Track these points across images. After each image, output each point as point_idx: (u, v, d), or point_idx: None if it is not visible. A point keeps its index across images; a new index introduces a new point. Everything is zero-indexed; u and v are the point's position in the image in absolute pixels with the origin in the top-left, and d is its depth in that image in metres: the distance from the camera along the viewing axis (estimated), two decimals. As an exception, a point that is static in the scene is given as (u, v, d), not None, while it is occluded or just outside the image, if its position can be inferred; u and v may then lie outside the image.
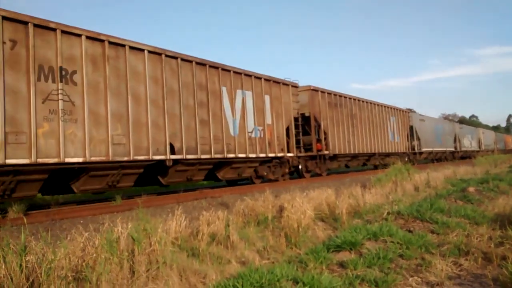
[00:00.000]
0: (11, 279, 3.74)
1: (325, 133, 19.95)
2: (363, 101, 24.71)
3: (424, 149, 32.95)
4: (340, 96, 22.27)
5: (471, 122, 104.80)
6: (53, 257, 4.03)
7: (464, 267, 5.41)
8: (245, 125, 14.83)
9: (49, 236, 4.38)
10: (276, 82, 17.09)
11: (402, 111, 31.08)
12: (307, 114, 19.57)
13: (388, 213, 8.02)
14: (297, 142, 18.15)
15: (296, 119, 18.21)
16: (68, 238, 4.88)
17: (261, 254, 6.32)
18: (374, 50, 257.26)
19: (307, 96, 19.64)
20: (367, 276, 4.74)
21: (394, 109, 29.40)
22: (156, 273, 4.67)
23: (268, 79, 16.45)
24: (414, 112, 35.44)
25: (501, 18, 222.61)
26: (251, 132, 15.11)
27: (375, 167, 26.75)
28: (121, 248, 4.69)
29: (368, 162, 25.68)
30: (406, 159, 29.12)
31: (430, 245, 6.12)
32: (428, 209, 8.24)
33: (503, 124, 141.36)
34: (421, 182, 14.10)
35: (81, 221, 7.39)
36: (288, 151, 17.35)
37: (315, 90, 20.04)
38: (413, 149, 31.57)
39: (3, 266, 3.84)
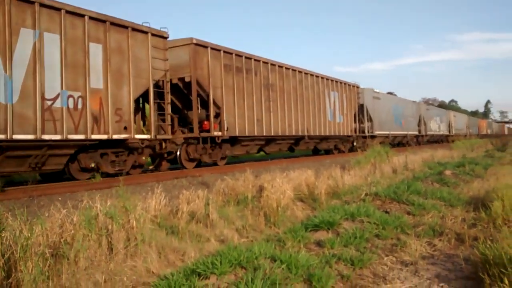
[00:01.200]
0: (-13, 255, 3.71)
1: (218, 108, 14.51)
2: (287, 68, 19.04)
3: (377, 132, 27.65)
4: (248, 58, 16.37)
5: (451, 106, 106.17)
6: (30, 234, 3.99)
7: (437, 247, 5.55)
8: (37, 87, 9.23)
9: (25, 213, 4.33)
10: (120, 26, 11.27)
11: (349, 85, 25.20)
12: (187, 79, 13.80)
13: (366, 194, 8.16)
14: (170, 119, 13.22)
15: (159, 86, 12.64)
16: (46, 215, 4.85)
17: (240, 233, 6.38)
18: (357, 33, 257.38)
19: (187, 54, 13.80)
20: (343, 255, 4.84)
21: (336, 82, 23.55)
22: (135, 250, 4.69)
23: (101, 19, 10.79)
24: (371, 89, 28.93)
25: (483, 5, 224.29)
26: (54, 99, 9.62)
27: (327, 152, 23.77)
28: (99, 225, 4.68)
29: (296, 147, 20.39)
30: (353, 144, 25.40)
31: (406, 226, 6.26)
32: (405, 191, 8.40)
33: (482, 110, 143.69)
34: (399, 165, 14.31)
35: (59, 198, 7.32)
36: (147, 132, 12.17)
37: (201, 45, 14.11)
38: (362, 132, 26.39)
39: (-21, 242, 3.80)
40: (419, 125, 38.95)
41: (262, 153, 19.37)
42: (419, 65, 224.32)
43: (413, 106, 38.52)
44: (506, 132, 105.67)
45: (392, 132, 30.88)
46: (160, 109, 12.78)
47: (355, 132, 25.46)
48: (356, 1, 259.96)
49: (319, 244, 5.44)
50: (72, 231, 4.46)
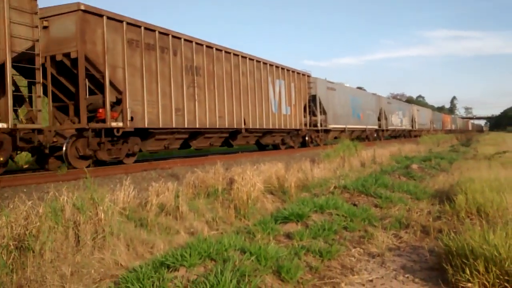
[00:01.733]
0: None
1: (118, 92, 11.71)
2: (218, 50, 15.92)
3: (332, 126, 25.55)
4: (164, 34, 13.33)
5: (418, 102, 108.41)
6: (-7, 226, 3.89)
7: (404, 239, 5.69)
8: None
9: (-11, 204, 4.21)
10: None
11: (298, 73, 22.50)
12: (74, 55, 10.96)
13: (335, 187, 8.27)
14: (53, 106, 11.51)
15: (25, 59, 9.89)
16: (11, 206, 4.72)
17: (210, 225, 6.37)
18: (328, 27, 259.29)
19: (73, 23, 11.00)
20: (312, 247, 4.90)
21: (283, 69, 20.85)
22: (103, 242, 4.62)
23: None
24: (324, 79, 26.35)
25: (450, 2, 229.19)
26: None
27: (275, 147, 21.36)
28: (66, 217, 4.59)
29: (234, 141, 17.58)
30: (304, 139, 23.23)
31: (373, 218, 6.38)
32: (373, 184, 8.55)
33: (448, 106, 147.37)
34: (367, 159, 14.55)
35: (25, 190, 7.14)
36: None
37: (93, 13, 11.21)
38: (315, 125, 24.07)
39: None
40: (379, 119, 37.00)
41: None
42: (389, 61, 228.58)
43: (373, 99, 36.48)
44: (470, 128, 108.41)
45: (349, 126, 28.74)
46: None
47: (306, 125, 23.07)
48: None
49: (288, 236, 5.49)
50: (38, 223, 4.36)
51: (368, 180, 8.89)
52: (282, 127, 20.51)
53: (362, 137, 31.59)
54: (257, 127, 18.32)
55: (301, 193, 8.67)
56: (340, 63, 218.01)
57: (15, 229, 4.20)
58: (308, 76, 23.81)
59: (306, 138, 23.40)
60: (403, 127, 45.36)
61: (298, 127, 22.06)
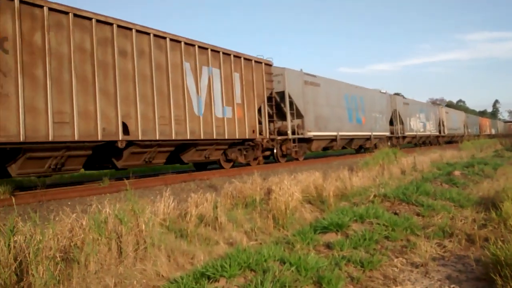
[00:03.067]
0: (-1, 259, 3.74)
1: None
2: (61, 12, 9.77)
3: (313, 134, 19.49)
4: None
5: (458, 107, 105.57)
6: (41, 238, 4.02)
7: (448, 248, 5.51)
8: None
9: (37, 217, 4.37)
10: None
11: (248, 60, 16.15)
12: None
13: (375, 196, 8.12)
14: None
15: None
16: (56, 219, 4.88)
17: (249, 236, 6.37)
18: (363, 34, 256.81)
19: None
20: (353, 257, 4.82)
21: (217, 52, 14.56)
22: (144, 253, 4.70)
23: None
24: (300, 71, 19.88)
25: (491, 4, 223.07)
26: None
27: (201, 166, 16.23)
28: (109, 229, 4.69)
29: (118, 161, 11.43)
30: (272, 152, 17.64)
31: (416, 227, 6.22)
32: (414, 192, 8.35)
33: (490, 109, 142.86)
34: (408, 166, 14.24)
35: (69, 203, 7.37)
36: None
37: None
38: (280, 133, 17.81)
39: (-9, 246, 3.84)
40: (392, 123, 30.20)
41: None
42: (426, 66, 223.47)
43: (382, 98, 28.93)
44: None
45: (343, 133, 22.32)
46: None
47: (265, 133, 16.64)
48: (361, 2, 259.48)
49: (328, 246, 5.43)
50: (82, 235, 4.48)
51: (409, 188, 8.69)
52: (215, 137, 14.05)
53: (365, 146, 26.54)
54: (157, 137, 11.91)
55: (340, 202, 8.57)
56: (375, 70, 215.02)
57: (61, 241, 4.33)
58: (269, 65, 17.36)
59: (275, 151, 17.85)
60: (427, 133, 38.10)
61: (245, 137, 15.59)
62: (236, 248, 4.75)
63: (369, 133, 26.15)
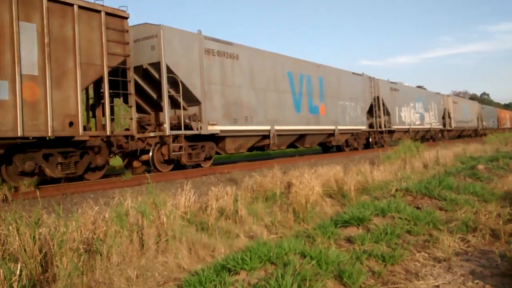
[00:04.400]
0: (25, 250, 3.82)
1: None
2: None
3: (216, 129, 13.20)
4: None
5: (482, 100, 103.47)
6: (65, 230, 4.10)
7: (471, 243, 5.42)
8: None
9: (61, 210, 4.45)
10: None
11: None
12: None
13: (396, 190, 8.03)
14: None
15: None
16: (79, 211, 4.96)
17: (269, 229, 6.38)
18: (383, 27, 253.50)
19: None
20: (374, 251, 4.78)
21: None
22: (166, 246, 4.75)
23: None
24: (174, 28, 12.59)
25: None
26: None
27: None
28: (130, 221, 4.76)
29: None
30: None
31: (438, 222, 6.13)
32: (437, 186, 8.24)
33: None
34: (430, 160, 14.06)
35: (92, 196, 7.49)
36: None
37: None
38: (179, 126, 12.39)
39: (17, 238, 3.93)
40: (374, 115, 23.58)
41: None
42: (449, 58, 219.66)
43: (354, 81, 21.79)
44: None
45: (282, 127, 16.05)
46: None
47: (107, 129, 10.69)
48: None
49: (349, 240, 5.39)
50: (104, 228, 4.56)
51: (432, 182, 8.57)
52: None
53: (332, 144, 20.71)
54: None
55: (361, 196, 8.51)
56: (397, 63, 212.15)
57: (84, 233, 4.41)
58: (118, 17, 11.04)
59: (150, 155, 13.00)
60: (426, 126, 30.87)
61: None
62: (256, 241, 4.75)
63: (332, 127, 19.27)
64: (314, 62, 19.02)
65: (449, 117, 35.96)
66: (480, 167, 12.14)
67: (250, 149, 16.12)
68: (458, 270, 4.54)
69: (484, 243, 5.44)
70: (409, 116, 28.29)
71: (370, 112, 23.60)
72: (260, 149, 16.70)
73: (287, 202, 7.34)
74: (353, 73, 22.04)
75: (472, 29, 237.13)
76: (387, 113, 24.69)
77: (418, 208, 6.98)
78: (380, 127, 23.83)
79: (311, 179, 7.82)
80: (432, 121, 32.27)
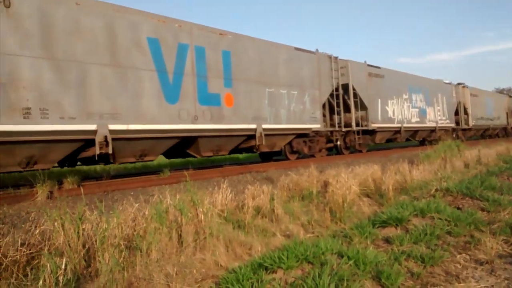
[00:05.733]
0: (69, 245, 3.97)
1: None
2: None
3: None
4: None
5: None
6: (106, 226, 4.22)
7: (515, 246, 5.25)
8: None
9: (103, 206, 4.58)
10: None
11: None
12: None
13: (436, 190, 7.87)
14: None
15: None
16: (120, 208, 5.09)
17: (306, 228, 6.37)
18: (422, 24, 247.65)
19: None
20: (413, 252, 4.70)
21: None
22: (203, 243, 4.82)
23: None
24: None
25: None
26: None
27: None
28: (169, 219, 4.85)
29: None
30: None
31: (480, 223, 5.97)
32: (479, 186, 8.02)
33: None
34: (471, 159, 13.67)
35: (132, 193, 7.66)
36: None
37: None
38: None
39: (62, 233, 4.08)
40: (337, 108, 16.83)
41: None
42: (491, 54, 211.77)
43: (303, 60, 15.22)
44: None
45: (137, 127, 9.69)
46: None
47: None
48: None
49: (387, 240, 5.33)
50: (144, 224, 4.66)
51: (473, 182, 8.35)
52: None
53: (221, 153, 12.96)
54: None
55: (400, 196, 8.37)
56: (436, 59, 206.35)
57: (125, 229, 4.52)
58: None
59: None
60: (428, 124, 23.99)
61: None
62: (293, 240, 4.77)
63: (250, 126, 12.77)
64: (214, 27, 12.32)
65: (466, 113, 29.11)
66: (525, 167, 11.72)
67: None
68: (501, 273, 4.41)
69: (529, 246, 5.25)
70: (401, 111, 21.35)
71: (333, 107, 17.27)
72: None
73: (323, 201, 7.30)
74: (296, 48, 14.96)
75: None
76: (360, 107, 18.05)
77: (459, 208, 6.81)
78: (349, 125, 17.34)
79: (348, 178, 7.75)
80: (439, 118, 25.33)
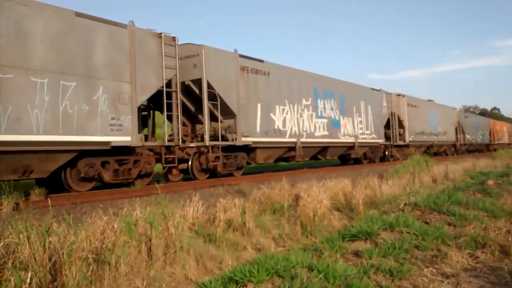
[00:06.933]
0: (35, 258, 3.87)
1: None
2: None
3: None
4: None
5: (492, 114, 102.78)
6: (74, 239, 4.14)
7: (480, 259, 5.38)
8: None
9: (71, 219, 4.49)
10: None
11: None
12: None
13: (405, 204, 8.01)
14: None
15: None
16: (89, 221, 5.00)
17: (277, 242, 6.39)
18: (392, 40, 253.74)
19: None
20: (382, 266, 4.76)
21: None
22: (174, 257, 4.77)
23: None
24: None
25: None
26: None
27: None
28: (139, 232, 4.79)
29: None
30: None
31: (447, 237, 6.10)
32: (446, 201, 8.20)
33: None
34: (439, 174, 13.99)
35: (101, 205, 7.53)
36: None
37: None
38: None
39: (27, 246, 3.97)
40: (173, 116, 11.92)
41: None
42: (458, 72, 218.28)
43: (92, 32, 9.75)
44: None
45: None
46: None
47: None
48: (391, 8, 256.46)
49: (356, 254, 5.38)
50: (113, 238, 4.59)
51: (441, 197, 8.53)
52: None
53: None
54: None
55: (369, 210, 8.48)
56: (407, 76, 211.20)
57: (93, 242, 4.44)
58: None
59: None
60: (341, 140, 18.92)
61: None
62: (264, 254, 4.76)
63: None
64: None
65: (402, 127, 24.62)
66: (490, 182, 12.06)
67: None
68: (466, 286, 4.51)
69: (493, 260, 5.40)
70: (297, 122, 16.26)
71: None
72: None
73: (295, 215, 7.34)
74: (79, 14, 9.70)
75: (480, 44, 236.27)
76: (227, 113, 13.39)
77: (426, 223, 6.94)
78: (202, 139, 12.83)
79: (319, 192, 7.83)
80: (359, 132, 20.27)
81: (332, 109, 18.60)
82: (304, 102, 16.86)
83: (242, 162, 14.15)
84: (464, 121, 36.06)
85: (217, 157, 12.91)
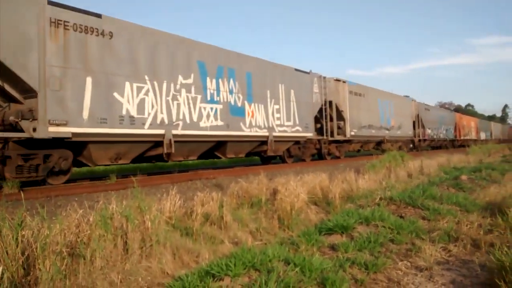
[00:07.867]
0: (7, 252, 3.79)
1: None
2: None
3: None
4: None
5: (467, 111, 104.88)
6: (48, 233, 4.07)
7: (453, 253, 5.50)
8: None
9: (45, 212, 4.41)
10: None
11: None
12: None
13: (381, 199, 8.11)
14: None
15: None
16: (63, 214, 4.93)
17: (254, 235, 6.40)
18: (372, 36, 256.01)
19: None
20: (357, 259, 4.82)
21: None
22: (150, 251, 4.74)
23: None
24: None
25: (501, 8, 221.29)
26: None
27: None
28: (115, 226, 4.74)
29: None
30: None
31: (421, 231, 6.21)
32: (420, 195, 8.33)
33: (499, 114, 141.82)
34: (415, 169, 14.22)
35: (76, 199, 7.43)
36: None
37: None
38: None
39: (-1, 240, 3.89)
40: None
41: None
42: (435, 69, 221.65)
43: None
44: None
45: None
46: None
47: None
48: (371, 3, 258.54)
49: (333, 248, 5.44)
50: (89, 231, 4.53)
51: (415, 192, 8.67)
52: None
53: None
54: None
55: (346, 204, 8.57)
56: (384, 72, 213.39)
57: (68, 236, 4.38)
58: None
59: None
60: (239, 132, 14.26)
61: None
62: (241, 248, 4.77)
63: None
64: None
65: (341, 119, 20.68)
66: (463, 177, 12.32)
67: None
68: (439, 279, 4.61)
69: (465, 253, 5.52)
70: (160, 106, 11.63)
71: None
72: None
73: (272, 209, 7.36)
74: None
75: (458, 42, 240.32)
76: (22, 89, 9.07)
77: (401, 217, 7.05)
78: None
79: (297, 186, 7.87)
80: (276, 124, 16.22)
81: (231, 92, 14.12)
82: (181, 80, 12.32)
83: (61, 164, 9.70)
84: (424, 114, 32.34)
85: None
